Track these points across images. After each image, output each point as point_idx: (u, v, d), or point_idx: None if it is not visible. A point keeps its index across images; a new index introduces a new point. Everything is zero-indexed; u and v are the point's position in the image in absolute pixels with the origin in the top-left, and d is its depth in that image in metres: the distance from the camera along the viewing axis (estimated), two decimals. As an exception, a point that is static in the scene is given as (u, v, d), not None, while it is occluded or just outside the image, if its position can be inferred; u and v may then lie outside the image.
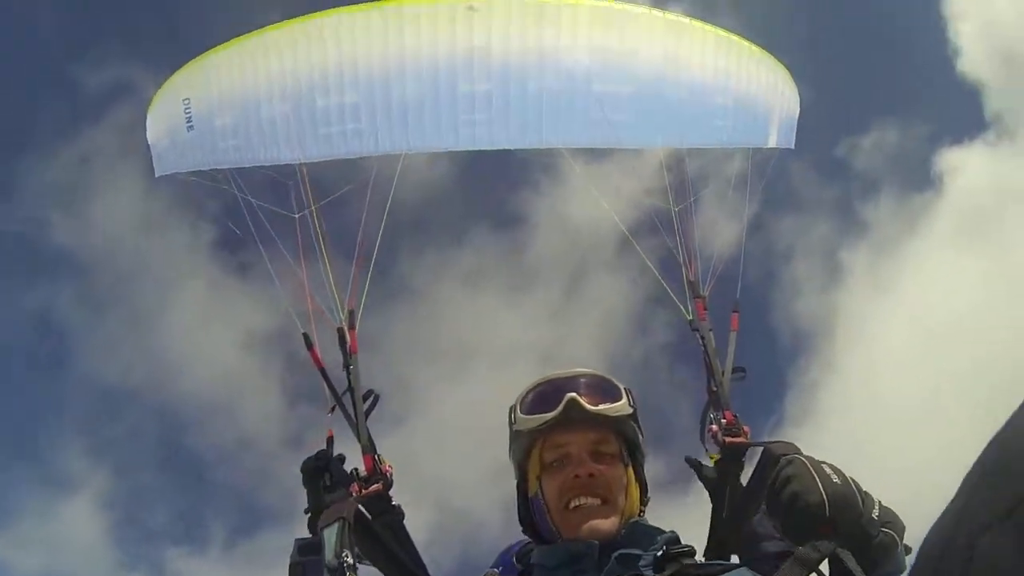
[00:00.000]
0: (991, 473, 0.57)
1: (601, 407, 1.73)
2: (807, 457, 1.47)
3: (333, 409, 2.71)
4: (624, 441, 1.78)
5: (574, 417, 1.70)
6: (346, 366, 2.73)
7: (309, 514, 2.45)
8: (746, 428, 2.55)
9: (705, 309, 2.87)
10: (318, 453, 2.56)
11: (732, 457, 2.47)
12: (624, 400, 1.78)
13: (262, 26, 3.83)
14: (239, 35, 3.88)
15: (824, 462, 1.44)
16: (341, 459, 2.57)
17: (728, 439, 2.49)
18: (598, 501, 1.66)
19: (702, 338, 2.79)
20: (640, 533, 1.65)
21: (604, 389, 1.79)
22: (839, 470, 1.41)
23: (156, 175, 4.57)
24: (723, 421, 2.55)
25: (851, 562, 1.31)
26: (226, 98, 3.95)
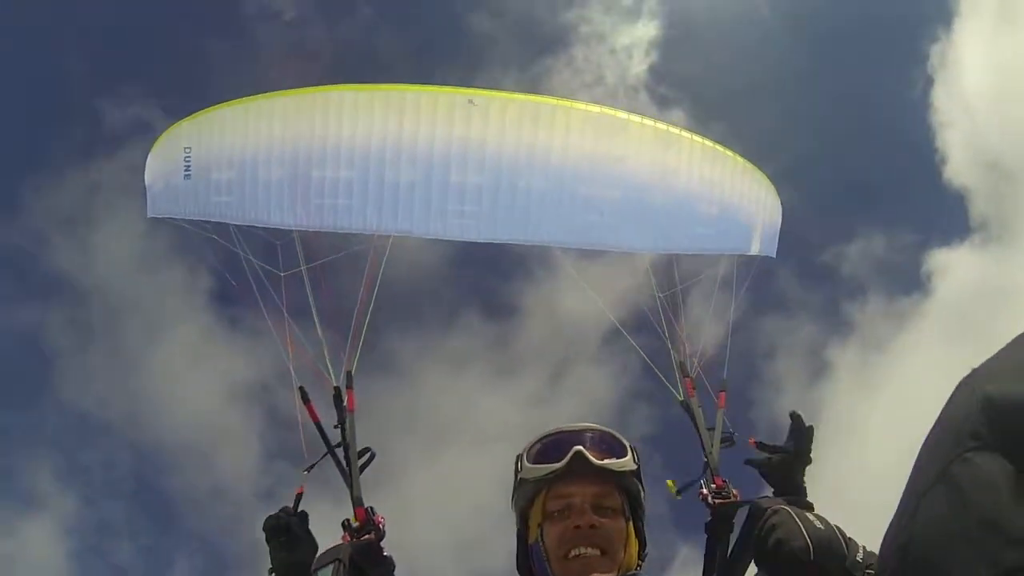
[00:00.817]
0: (929, 448, 0.75)
1: (606, 462, 1.77)
2: (792, 507, 1.51)
3: (310, 469, 2.71)
4: (626, 496, 1.81)
5: (579, 470, 1.73)
6: (341, 422, 2.75)
7: (272, 574, 2.43)
8: (735, 492, 2.64)
9: (694, 388, 3.00)
10: (281, 510, 2.54)
11: (722, 518, 2.55)
12: (629, 456, 1.82)
13: (276, 88, 3.96)
14: (252, 94, 4.01)
15: (809, 512, 1.49)
16: (304, 517, 2.55)
17: (718, 501, 2.57)
18: (598, 552, 1.68)
19: (692, 414, 2.92)
20: None
21: (610, 444, 1.83)
22: (823, 518, 1.45)
23: (148, 215, 4.62)
24: (713, 486, 2.65)
25: None
26: (225, 154, 4.03)
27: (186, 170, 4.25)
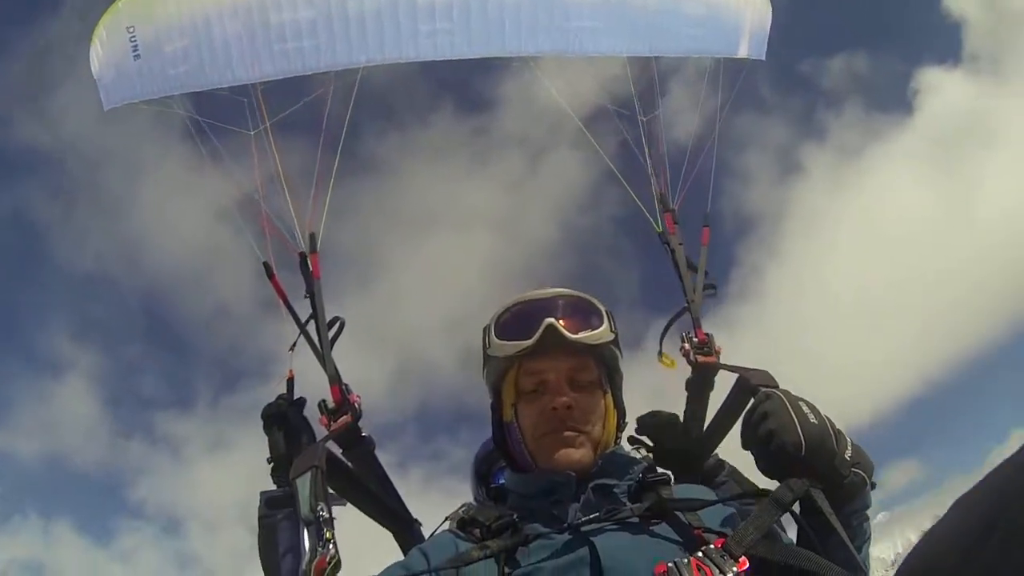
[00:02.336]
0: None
1: (581, 335, 1.64)
2: (784, 392, 1.45)
3: (294, 347, 2.58)
4: (603, 366, 1.72)
5: (552, 345, 1.62)
6: (309, 292, 2.59)
7: (272, 463, 2.39)
8: (718, 347, 2.48)
9: (675, 223, 2.77)
10: (278, 398, 2.45)
11: (703, 377, 2.42)
12: (605, 325, 1.70)
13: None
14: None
15: (801, 399, 1.42)
16: (301, 404, 2.47)
17: (701, 358, 2.41)
18: (575, 433, 1.61)
19: (672, 251, 2.71)
20: (616, 463, 1.63)
21: (584, 312, 1.70)
22: (815, 408, 1.40)
23: (105, 108, 4.35)
24: (695, 339, 2.47)
25: (823, 502, 1.32)
26: (174, 22, 3.71)
27: (134, 51, 3.93)
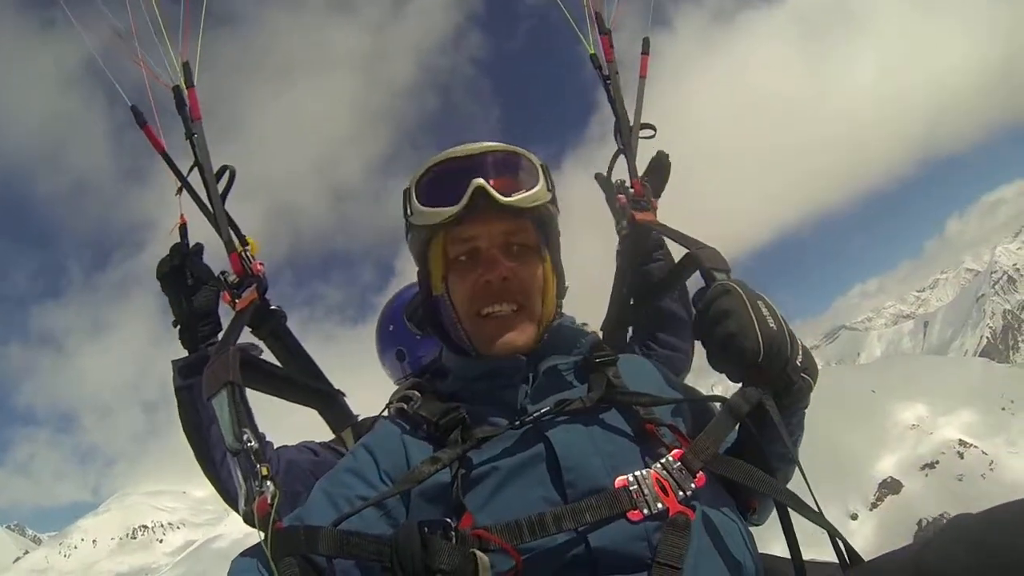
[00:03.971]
0: None
1: (515, 197, 1.47)
2: (742, 286, 1.37)
3: (180, 190, 2.13)
4: (540, 229, 1.57)
5: (482, 209, 1.45)
6: (188, 135, 2.14)
7: (178, 326, 2.06)
8: (654, 202, 2.17)
9: (611, 47, 2.30)
10: (172, 249, 2.07)
11: (639, 237, 2.14)
12: (542, 183, 1.52)
13: None
14: None
15: (759, 297, 1.36)
16: (199, 250, 2.10)
17: (638, 214, 2.09)
18: (513, 307, 1.49)
19: (607, 80, 2.27)
20: (563, 336, 1.57)
21: (517, 171, 1.52)
22: (773, 310, 1.34)
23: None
24: (631, 191, 2.15)
25: (774, 412, 1.32)
26: None
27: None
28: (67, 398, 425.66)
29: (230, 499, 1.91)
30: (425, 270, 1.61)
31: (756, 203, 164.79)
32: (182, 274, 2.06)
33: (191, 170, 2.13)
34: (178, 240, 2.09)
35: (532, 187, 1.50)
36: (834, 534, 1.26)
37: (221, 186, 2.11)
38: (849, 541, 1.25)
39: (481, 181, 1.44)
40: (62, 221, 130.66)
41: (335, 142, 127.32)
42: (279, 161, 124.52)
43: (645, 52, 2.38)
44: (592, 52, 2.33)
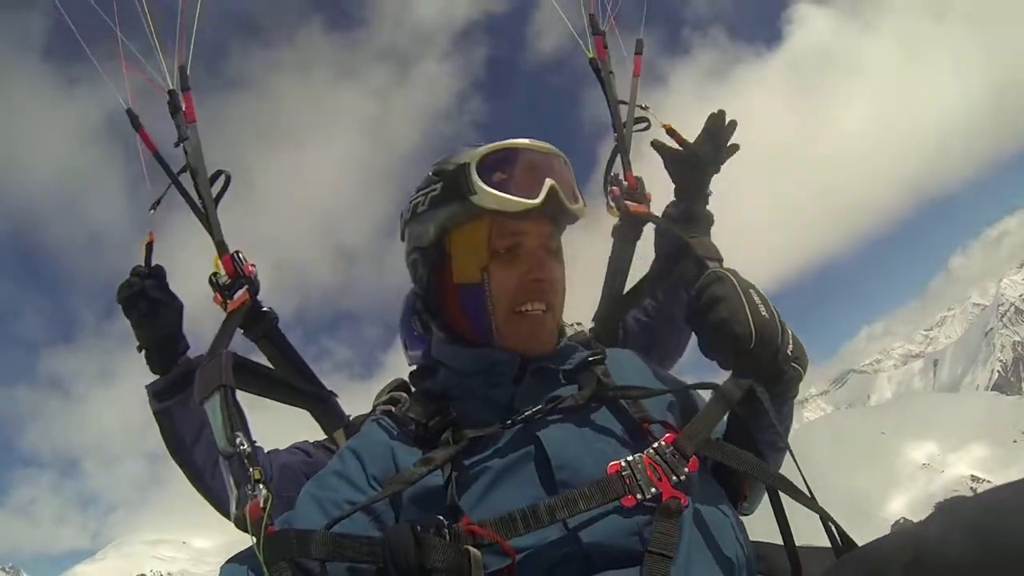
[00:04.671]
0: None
1: (575, 207, 1.48)
2: (734, 274, 1.39)
3: (156, 205, 2.09)
4: (560, 234, 1.58)
5: (549, 210, 1.42)
6: (182, 139, 2.11)
7: (143, 351, 2.01)
8: (648, 194, 2.18)
9: (606, 47, 2.34)
10: (132, 272, 2.00)
11: (632, 227, 2.14)
12: (581, 197, 1.54)
13: None
14: None
15: (752, 286, 1.37)
16: (160, 274, 2.02)
17: (632, 205, 2.10)
18: (544, 307, 1.47)
19: (602, 79, 2.31)
20: (565, 352, 1.53)
21: (572, 181, 1.52)
22: (765, 299, 1.35)
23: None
24: (624, 183, 2.17)
25: (765, 399, 1.32)
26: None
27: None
28: (71, 443, 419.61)
29: (223, 509, 1.84)
30: (443, 253, 1.51)
31: (755, 256, 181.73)
32: (141, 299, 1.98)
33: (181, 171, 2.10)
34: (140, 263, 2.02)
35: (579, 199, 1.51)
36: (826, 518, 1.24)
37: (215, 190, 2.08)
38: None
39: (554, 182, 1.41)
40: (77, 269, 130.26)
41: (342, 204, 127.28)
42: (285, 222, 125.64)
43: (638, 53, 2.44)
44: (591, 56, 2.37)
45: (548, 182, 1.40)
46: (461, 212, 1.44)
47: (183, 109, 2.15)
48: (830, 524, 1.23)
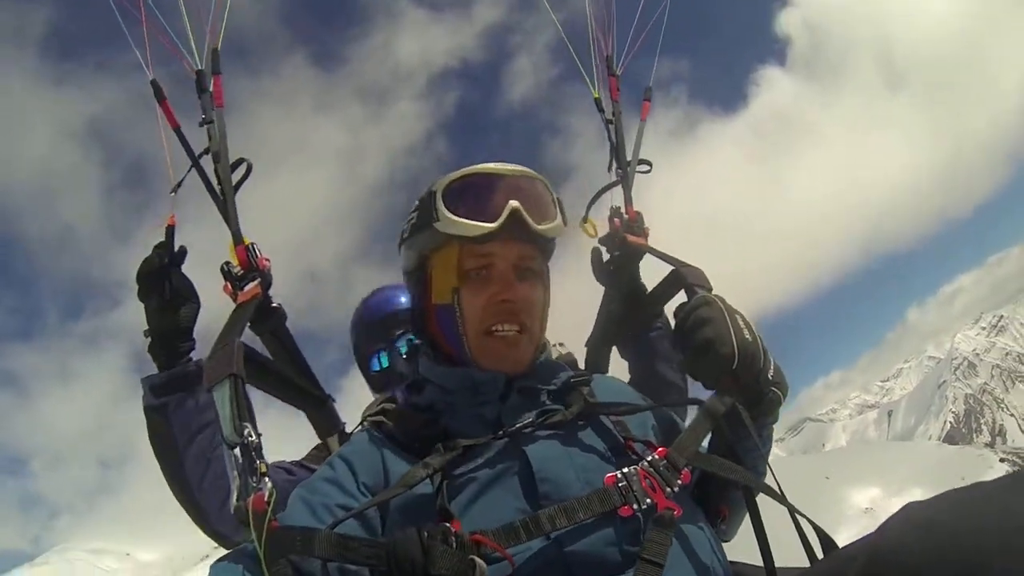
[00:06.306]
0: None
1: (544, 226, 1.50)
2: (721, 300, 1.46)
3: (177, 188, 2.00)
4: (544, 257, 1.61)
5: (513, 232, 1.46)
6: (208, 121, 2.04)
7: (149, 337, 1.91)
8: (647, 228, 2.26)
9: (618, 89, 2.42)
10: (155, 250, 1.92)
11: (629, 259, 2.23)
12: (559, 216, 1.56)
13: None
14: None
15: (737, 311, 1.43)
16: (182, 256, 1.96)
17: (631, 237, 2.19)
18: (516, 328, 1.51)
19: (610, 121, 2.39)
20: (547, 370, 1.58)
21: (544, 201, 1.54)
22: (749, 323, 1.42)
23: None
24: (626, 216, 2.26)
25: (746, 417, 1.39)
26: None
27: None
28: (21, 442, 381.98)
29: (205, 522, 1.83)
30: (424, 275, 1.59)
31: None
32: (162, 280, 1.90)
33: (203, 154, 2.03)
34: (162, 240, 1.95)
35: (554, 219, 1.53)
36: (814, 527, 1.29)
37: (235, 177, 2.00)
38: None
39: (517, 204, 1.45)
40: (45, 265, 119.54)
41: (311, 230, 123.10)
42: (258, 240, 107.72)
43: (647, 99, 2.55)
44: (596, 96, 2.47)
45: (511, 205, 1.44)
46: (432, 238, 1.52)
47: (211, 91, 2.10)
48: (815, 530, 1.28)
